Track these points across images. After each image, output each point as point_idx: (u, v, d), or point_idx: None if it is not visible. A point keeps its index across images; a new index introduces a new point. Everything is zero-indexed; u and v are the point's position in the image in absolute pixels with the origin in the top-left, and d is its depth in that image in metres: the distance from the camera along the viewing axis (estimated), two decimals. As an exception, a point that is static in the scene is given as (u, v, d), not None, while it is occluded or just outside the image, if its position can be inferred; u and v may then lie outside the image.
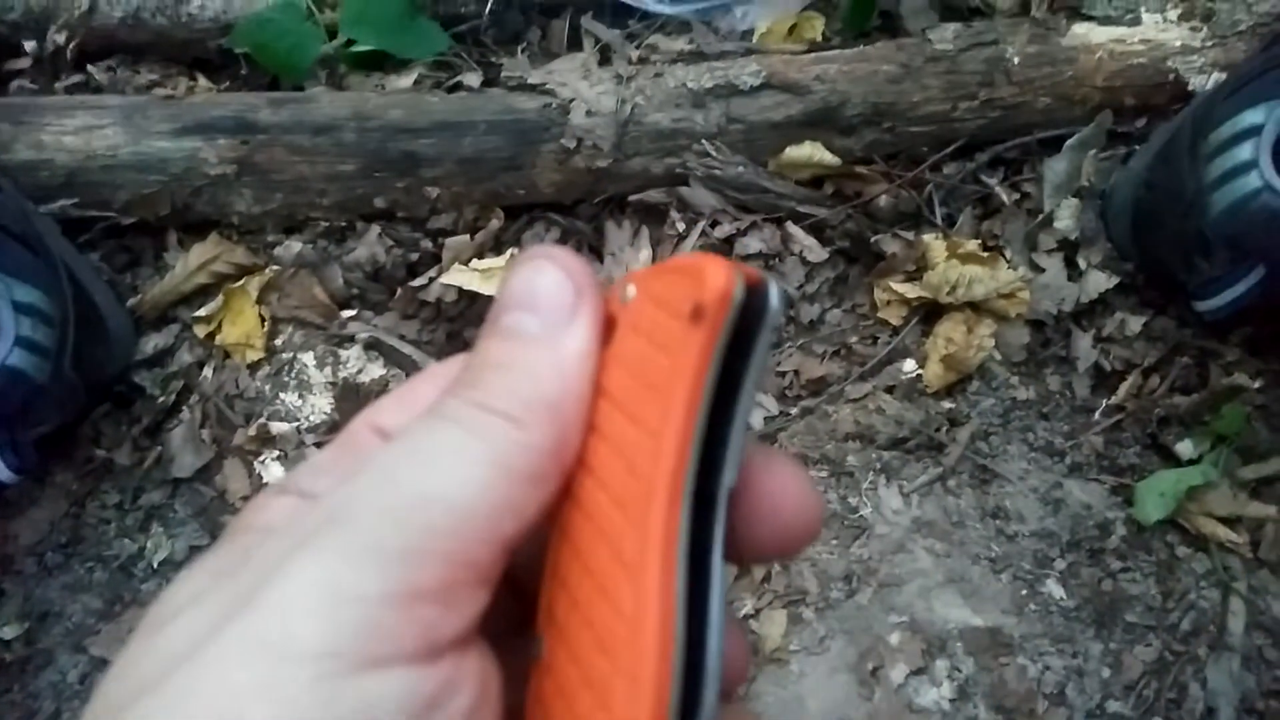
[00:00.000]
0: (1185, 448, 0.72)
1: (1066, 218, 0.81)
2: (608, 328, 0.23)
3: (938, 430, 0.75)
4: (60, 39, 0.85)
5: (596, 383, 0.23)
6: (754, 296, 0.20)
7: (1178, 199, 0.73)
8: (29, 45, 0.85)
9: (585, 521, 0.22)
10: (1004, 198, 0.83)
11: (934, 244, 0.80)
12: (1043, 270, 0.81)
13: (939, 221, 0.83)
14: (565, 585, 0.22)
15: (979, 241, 0.81)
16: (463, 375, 0.23)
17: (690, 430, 0.20)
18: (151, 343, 0.79)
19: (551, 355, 0.22)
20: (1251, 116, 0.68)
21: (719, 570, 0.20)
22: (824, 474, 0.74)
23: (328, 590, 0.18)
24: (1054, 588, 0.69)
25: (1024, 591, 0.69)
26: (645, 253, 0.82)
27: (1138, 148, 0.81)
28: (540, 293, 0.23)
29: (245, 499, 0.74)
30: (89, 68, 0.87)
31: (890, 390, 0.77)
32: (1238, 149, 0.68)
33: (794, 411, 0.77)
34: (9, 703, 0.66)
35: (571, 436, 0.22)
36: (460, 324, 0.80)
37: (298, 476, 0.24)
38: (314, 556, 0.19)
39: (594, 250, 0.83)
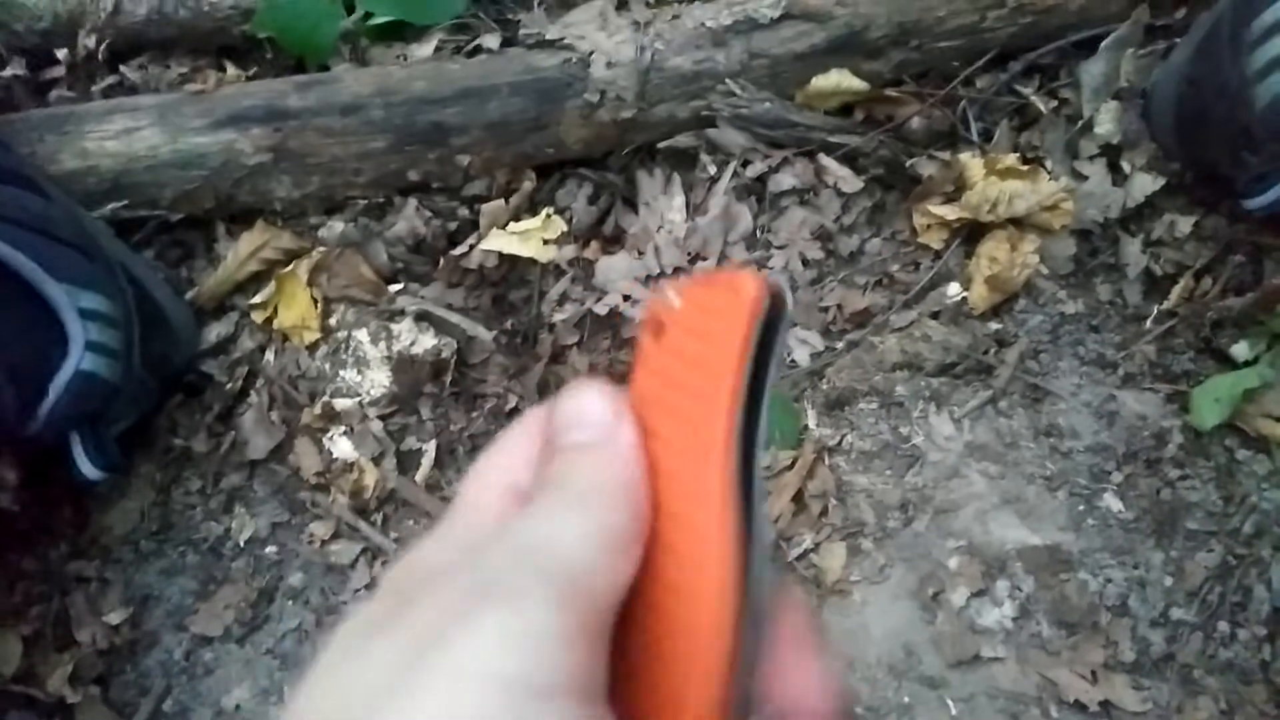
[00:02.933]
0: (1240, 349, 0.71)
1: (1107, 121, 0.79)
2: (659, 329, 0.29)
3: (986, 353, 0.75)
4: (90, 43, 0.87)
5: (657, 369, 0.28)
6: (774, 298, 0.27)
7: (1221, 93, 0.70)
8: (61, 53, 0.87)
9: (656, 474, 0.27)
10: (1041, 107, 0.81)
11: (971, 162, 0.78)
12: (1086, 178, 0.79)
13: (975, 138, 0.81)
14: None
15: (1018, 155, 0.79)
16: (547, 479, 0.27)
17: (739, 396, 0.26)
18: (214, 332, 0.83)
19: (612, 451, 0.27)
20: (1295, 0, 0.65)
21: (760, 495, 0.26)
22: (874, 405, 0.75)
23: (514, 628, 0.22)
24: (1112, 501, 0.69)
25: (1081, 507, 0.69)
26: (679, 199, 0.83)
27: (1178, 41, 0.78)
28: (587, 412, 0.28)
29: (319, 474, 0.77)
30: (121, 68, 0.89)
31: (935, 316, 0.77)
32: (1282, 36, 0.66)
33: (839, 346, 0.77)
34: (124, 683, 0.71)
35: (645, 507, 0.27)
36: (504, 288, 0.82)
37: (423, 553, 0.27)
38: (498, 600, 0.22)
39: (628, 201, 0.84)
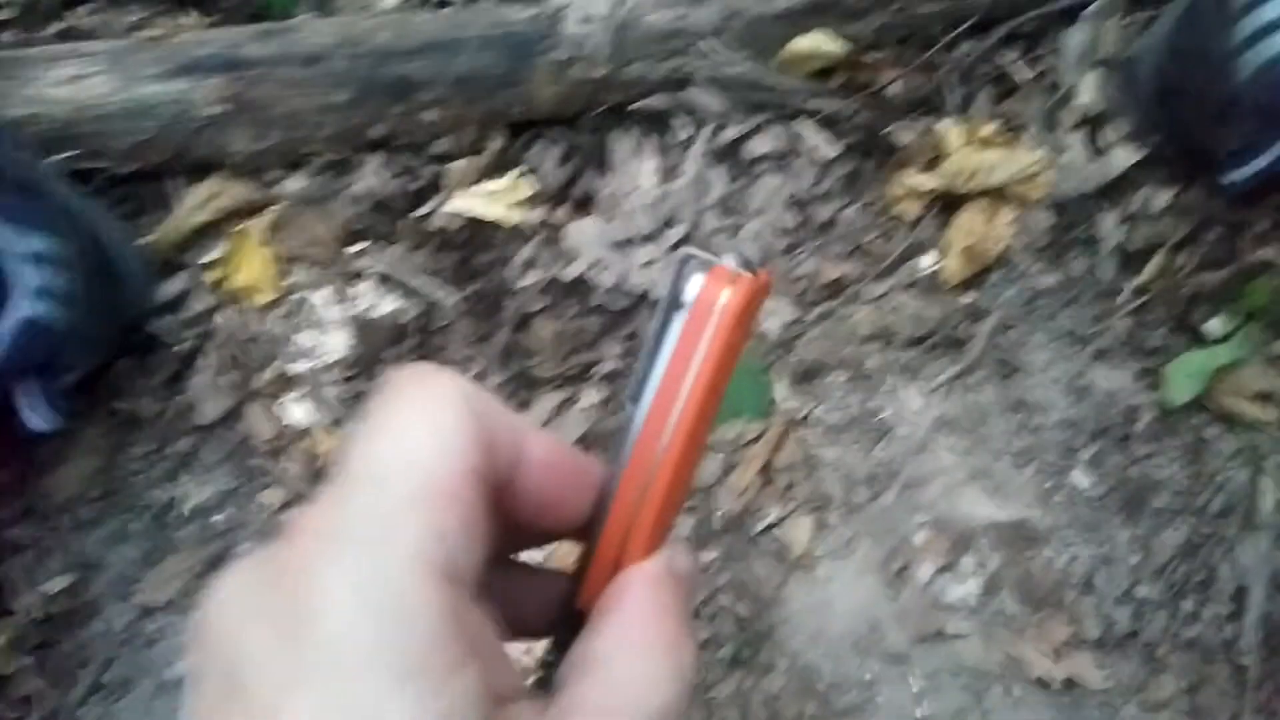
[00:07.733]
0: (1214, 326, 0.70)
1: (1087, 92, 0.78)
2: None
3: (957, 326, 0.73)
4: (40, -15, 0.83)
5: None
6: None
7: (1205, 63, 0.69)
8: (9, -5, 0.83)
9: None
10: (1021, 75, 0.79)
11: (949, 131, 0.77)
12: (1064, 149, 0.78)
13: (954, 107, 0.79)
14: None
15: (996, 124, 0.78)
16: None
17: None
18: (165, 291, 0.80)
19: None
20: (1282, -31, 0.64)
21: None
22: (843, 378, 0.73)
23: None
24: (1080, 477, 0.68)
25: (1049, 483, 0.68)
26: (651, 163, 0.80)
27: (1161, 10, 0.76)
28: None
29: (271, 440, 0.75)
30: (75, 11, 0.85)
31: (909, 287, 0.76)
32: (1268, 5, 0.64)
33: (810, 317, 0.75)
34: (62, 654, 0.69)
35: None
36: (469, 251, 0.79)
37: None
38: None
39: (599, 164, 0.81)
